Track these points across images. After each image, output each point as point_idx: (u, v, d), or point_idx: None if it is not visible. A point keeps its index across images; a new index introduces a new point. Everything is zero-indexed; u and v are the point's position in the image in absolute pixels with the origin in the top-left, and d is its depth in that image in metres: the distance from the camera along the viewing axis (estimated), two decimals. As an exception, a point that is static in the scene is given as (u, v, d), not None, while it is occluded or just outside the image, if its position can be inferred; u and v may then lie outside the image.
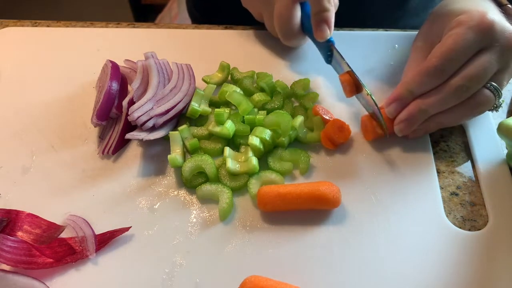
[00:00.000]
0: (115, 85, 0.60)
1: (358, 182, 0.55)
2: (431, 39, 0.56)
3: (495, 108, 0.55)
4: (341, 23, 0.68)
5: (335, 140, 0.56)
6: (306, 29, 0.64)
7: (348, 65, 0.57)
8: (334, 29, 0.72)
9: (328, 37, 0.60)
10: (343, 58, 0.59)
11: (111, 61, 0.63)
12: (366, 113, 0.59)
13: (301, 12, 0.63)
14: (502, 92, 0.53)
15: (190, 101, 0.60)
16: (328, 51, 0.62)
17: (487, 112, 0.61)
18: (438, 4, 0.59)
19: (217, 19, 0.78)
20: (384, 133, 0.56)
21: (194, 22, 1.01)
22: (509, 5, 0.57)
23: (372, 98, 0.54)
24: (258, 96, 0.61)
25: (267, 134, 0.56)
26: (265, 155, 0.57)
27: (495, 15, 0.51)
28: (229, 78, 0.66)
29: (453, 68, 0.51)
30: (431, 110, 0.53)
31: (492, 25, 0.50)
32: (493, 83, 0.52)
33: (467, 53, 0.51)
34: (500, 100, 0.54)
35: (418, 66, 0.54)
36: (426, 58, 0.53)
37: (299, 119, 0.58)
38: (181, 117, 0.61)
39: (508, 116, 0.63)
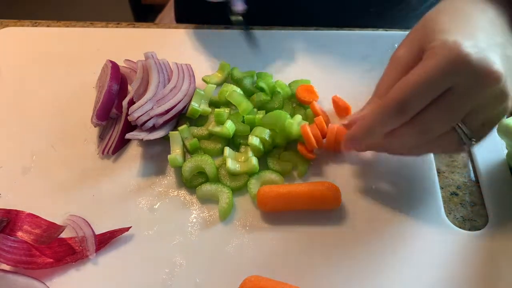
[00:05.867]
0: (115, 85, 0.60)
1: (358, 182, 0.55)
2: (413, 51, 0.47)
3: (469, 147, 0.47)
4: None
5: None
6: None
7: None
8: (333, 29, 0.73)
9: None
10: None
11: (111, 61, 0.63)
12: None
13: None
14: (472, 136, 0.45)
15: (190, 101, 0.60)
16: None
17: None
18: (433, 8, 0.50)
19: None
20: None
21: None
22: None
23: None
24: (258, 96, 0.61)
25: (267, 134, 0.56)
26: (264, 155, 0.57)
27: (474, 47, 0.42)
28: (229, 78, 0.66)
29: (416, 107, 0.44)
30: (388, 148, 0.49)
31: (466, 61, 0.41)
32: (462, 126, 0.44)
33: (432, 91, 0.43)
34: (472, 142, 0.46)
35: (393, 81, 0.47)
36: (403, 73, 0.45)
37: (298, 118, 0.58)
38: (181, 117, 0.61)
39: (508, 116, 0.63)
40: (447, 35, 0.43)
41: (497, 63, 0.42)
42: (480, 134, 0.46)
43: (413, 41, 0.48)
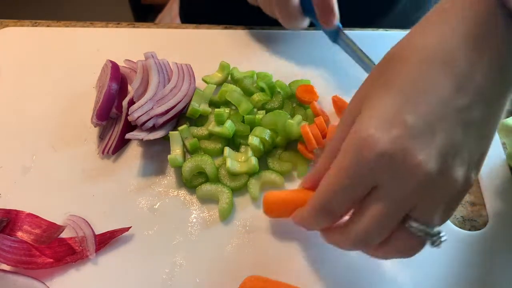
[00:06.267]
0: (115, 85, 0.60)
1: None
2: (353, 116, 0.39)
3: (435, 244, 0.38)
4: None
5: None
6: (307, 10, 0.61)
7: (360, 49, 0.61)
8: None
9: (336, 24, 0.60)
10: (353, 42, 0.62)
11: (111, 61, 0.63)
12: None
13: None
14: (433, 228, 0.37)
15: (190, 101, 0.60)
16: (336, 34, 0.64)
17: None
18: (388, 51, 0.44)
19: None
20: None
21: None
22: None
23: None
24: (258, 96, 0.61)
25: (267, 134, 0.56)
26: (264, 155, 0.57)
27: (395, 138, 0.34)
28: (229, 78, 0.66)
29: (340, 209, 0.39)
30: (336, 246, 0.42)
31: (374, 154, 0.34)
32: (413, 224, 0.36)
33: (350, 193, 0.37)
34: (441, 235, 0.37)
35: (339, 141, 0.39)
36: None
37: (298, 118, 0.58)
38: (181, 117, 0.61)
39: (508, 116, 0.63)
40: (368, 121, 0.36)
41: (422, 154, 0.34)
42: (441, 222, 0.38)
43: (355, 104, 0.40)
